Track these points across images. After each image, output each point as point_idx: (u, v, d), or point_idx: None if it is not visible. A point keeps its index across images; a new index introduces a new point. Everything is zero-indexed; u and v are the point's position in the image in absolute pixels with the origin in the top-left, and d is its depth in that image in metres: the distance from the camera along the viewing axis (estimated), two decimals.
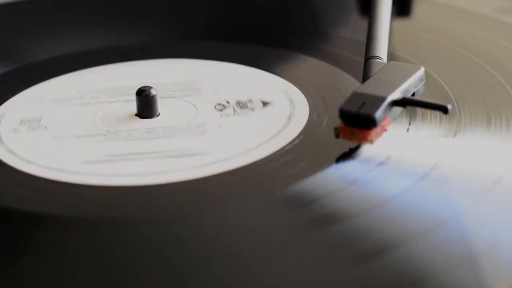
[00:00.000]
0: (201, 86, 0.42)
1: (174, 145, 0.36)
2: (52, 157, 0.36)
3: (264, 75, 0.42)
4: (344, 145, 0.35)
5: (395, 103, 0.34)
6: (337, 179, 0.33)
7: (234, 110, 0.39)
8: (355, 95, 0.34)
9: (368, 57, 0.39)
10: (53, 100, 0.41)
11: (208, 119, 0.38)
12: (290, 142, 0.36)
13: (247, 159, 0.35)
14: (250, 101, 0.40)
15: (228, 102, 0.40)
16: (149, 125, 0.38)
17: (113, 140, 0.37)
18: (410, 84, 0.36)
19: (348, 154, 0.34)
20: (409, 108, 0.37)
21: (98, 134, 0.37)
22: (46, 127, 0.38)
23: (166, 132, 0.37)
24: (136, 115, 0.39)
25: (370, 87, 0.35)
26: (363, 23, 0.44)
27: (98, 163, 0.35)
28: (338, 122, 0.34)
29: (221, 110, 0.39)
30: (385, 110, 0.34)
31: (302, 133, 0.36)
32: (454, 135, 0.36)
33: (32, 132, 0.38)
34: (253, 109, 0.39)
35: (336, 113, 0.34)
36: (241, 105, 0.39)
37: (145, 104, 0.38)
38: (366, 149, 0.34)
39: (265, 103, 0.40)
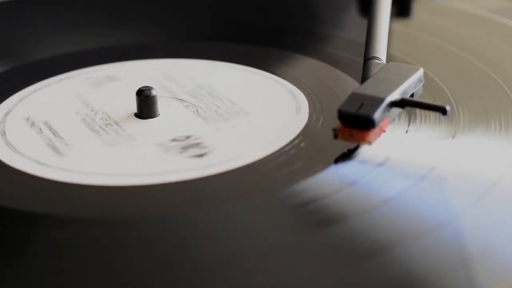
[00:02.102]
0: (201, 86, 0.42)
1: (174, 145, 0.36)
2: (53, 157, 0.36)
3: (264, 75, 0.42)
4: (343, 146, 0.35)
5: (393, 104, 0.34)
6: (335, 180, 0.33)
7: (233, 111, 0.39)
8: (354, 96, 0.34)
9: (367, 57, 0.39)
10: (53, 99, 0.41)
11: (208, 120, 0.38)
12: (289, 143, 0.36)
13: (246, 159, 0.35)
14: (250, 101, 0.40)
15: (227, 103, 0.40)
16: (148, 126, 0.38)
17: (113, 140, 0.37)
18: (409, 85, 0.36)
19: (347, 155, 0.34)
20: (409, 109, 0.37)
21: (96, 134, 0.38)
22: (46, 127, 0.38)
23: (167, 132, 0.37)
24: (136, 115, 0.39)
25: (368, 88, 0.35)
26: (363, 24, 0.44)
27: (98, 163, 0.35)
28: (336, 123, 0.34)
29: (220, 110, 0.39)
30: (384, 111, 0.34)
31: (301, 133, 0.36)
32: (453, 137, 0.36)
33: (32, 131, 0.38)
34: (252, 110, 0.39)
35: (335, 114, 0.34)
36: (240, 105, 0.39)
37: (145, 105, 0.38)
38: (365, 150, 0.34)
39: (264, 104, 0.40)
